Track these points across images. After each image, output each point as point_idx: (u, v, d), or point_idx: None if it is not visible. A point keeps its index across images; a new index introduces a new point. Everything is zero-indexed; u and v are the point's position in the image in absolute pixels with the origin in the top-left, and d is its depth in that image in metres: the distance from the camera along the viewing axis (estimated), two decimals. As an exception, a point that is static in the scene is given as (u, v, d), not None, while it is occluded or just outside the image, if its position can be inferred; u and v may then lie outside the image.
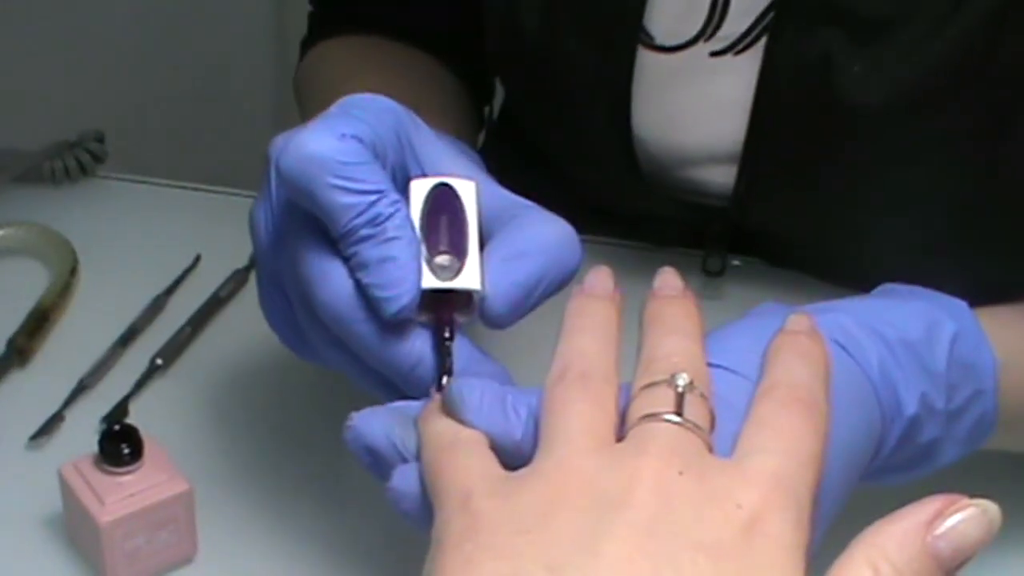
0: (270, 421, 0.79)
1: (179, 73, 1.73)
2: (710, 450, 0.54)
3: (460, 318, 0.63)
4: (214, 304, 0.86)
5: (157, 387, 0.81)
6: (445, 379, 0.61)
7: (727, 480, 0.52)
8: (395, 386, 0.63)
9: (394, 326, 0.62)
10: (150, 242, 0.92)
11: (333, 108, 0.63)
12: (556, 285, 0.63)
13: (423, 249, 0.62)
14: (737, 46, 0.81)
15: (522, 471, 0.54)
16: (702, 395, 0.56)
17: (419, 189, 0.64)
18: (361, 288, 0.61)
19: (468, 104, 0.94)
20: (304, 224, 0.62)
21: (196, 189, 0.98)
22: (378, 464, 0.60)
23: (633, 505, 0.51)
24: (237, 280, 0.88)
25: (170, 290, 0.87)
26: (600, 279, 0.61)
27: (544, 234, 0.64)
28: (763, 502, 0.51)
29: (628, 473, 0.52)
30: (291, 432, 0.78)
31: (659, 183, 0.87)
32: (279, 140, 0.63)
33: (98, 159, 0.97)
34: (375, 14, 0.92)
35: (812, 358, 0.58)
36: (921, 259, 0.83)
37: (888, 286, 0.67)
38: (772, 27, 0.79)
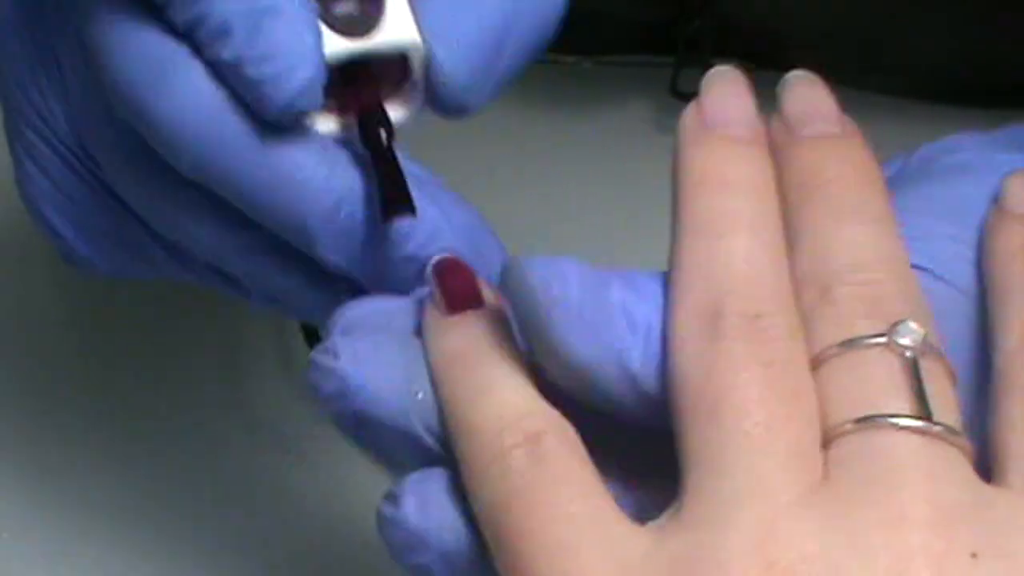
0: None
1: None
2: (971, 461, 0.32)
3: (392, 111, 0.39)
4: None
5: None
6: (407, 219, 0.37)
7: None
8: (313, 266, 0.40)
9: (286, 133, 0.38)
10: None
11: None
12: (535, 38, 0.39)
13: None
14: None
15: (671, 539, 0.32)
16: (938, 353, 0.33)
17: None
18: (223, 78, 0.38)
19: None
20: None
21: None
22: (377, 446, 0.36)
23: None
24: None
25: None
26: (734, 98, 0.37)
27: None
28: None
29: (890, 565, 0.30)
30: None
31: None
32: None
33: None
34: None
35: None
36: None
37: None
38: None
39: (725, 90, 0.36)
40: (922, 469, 0.31)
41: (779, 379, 0.32)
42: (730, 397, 0.32)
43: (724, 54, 0.63)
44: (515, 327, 0.35)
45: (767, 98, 0.63)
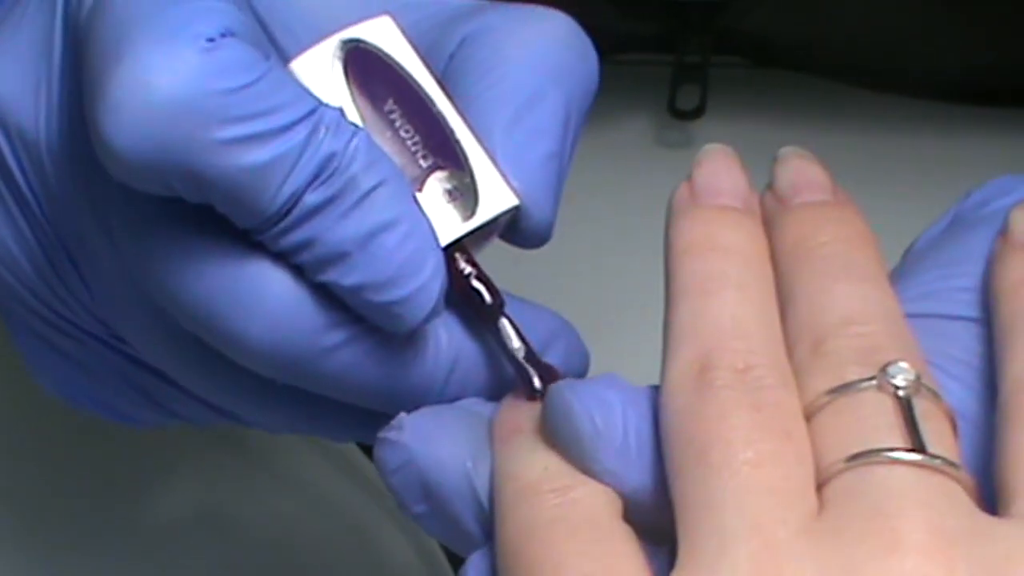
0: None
1: None
2: (973, 496, 0.32)
3: (475, 251, 0.38)
4: None
5: None
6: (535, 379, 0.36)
7: None
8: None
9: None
10: None
11: None
12: (581, 122, 0.38)
13: None
14: None
15: None
16: (934, 393, 0.33)
17: (314, 72, 0.36)
18: (324, 293, 0.35)
19: None
20: (164, 216, 0.36)
21: None
22: (441, 518, 0.35)
23: None
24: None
25: None
26: (724, 172, 0.36)
27: (541, 47, 0.37)
28: None
29: None
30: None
31: None
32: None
33: None
34: None
35: None
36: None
37: None
38: None
39: (716, 166, 0.36)
40: (919, 498, 0.31)
41: (769, 421, 0.32)
42: (718, 438, 0.32)
43: (724, 52, 0.63)
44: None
45: (769, 97, 0.62)
